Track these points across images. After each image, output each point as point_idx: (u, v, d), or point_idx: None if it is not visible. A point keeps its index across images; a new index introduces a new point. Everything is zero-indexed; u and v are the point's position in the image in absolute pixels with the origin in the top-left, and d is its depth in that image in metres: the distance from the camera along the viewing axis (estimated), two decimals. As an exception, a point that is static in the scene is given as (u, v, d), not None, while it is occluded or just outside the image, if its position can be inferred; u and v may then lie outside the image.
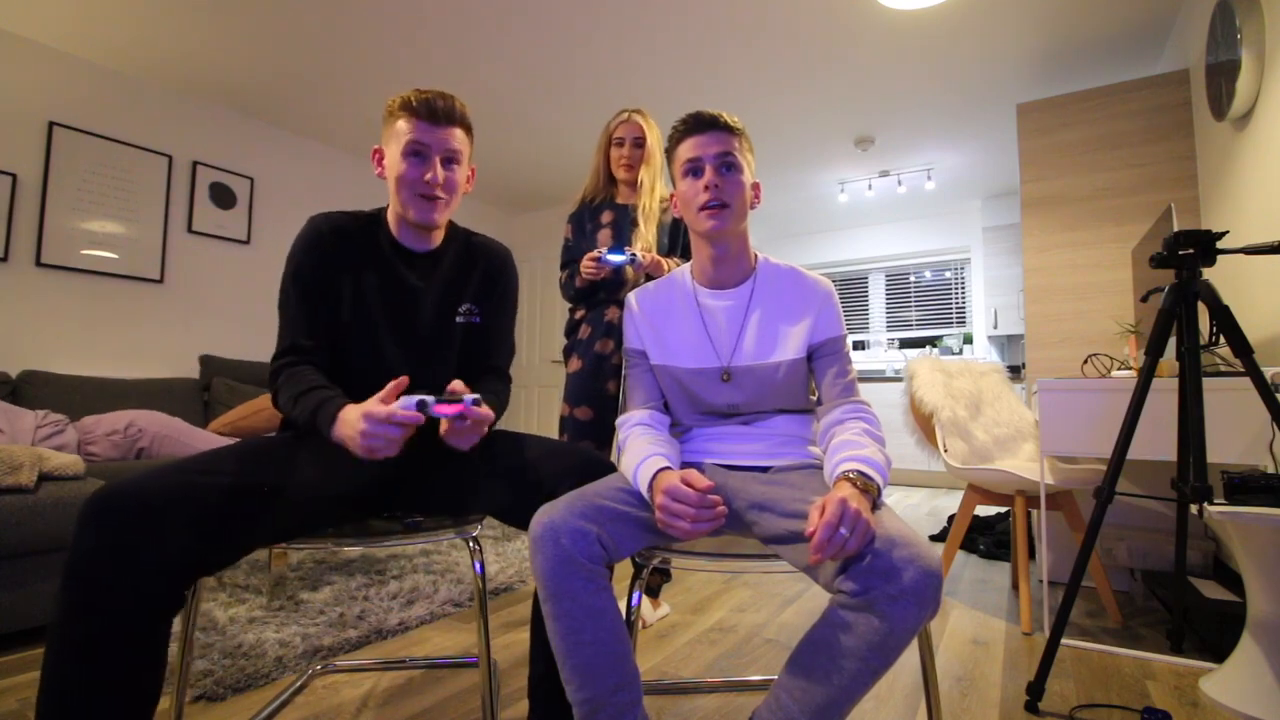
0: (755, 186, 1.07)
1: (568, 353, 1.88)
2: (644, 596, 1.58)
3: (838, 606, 0.78)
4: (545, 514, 0.88)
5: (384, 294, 1.12)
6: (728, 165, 1.01)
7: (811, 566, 0.84)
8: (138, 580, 0.78)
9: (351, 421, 0.90)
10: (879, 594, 0.74)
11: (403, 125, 1.06)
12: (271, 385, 1.06)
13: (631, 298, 1.17)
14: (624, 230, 1.82)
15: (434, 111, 1.06)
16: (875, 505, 0.84)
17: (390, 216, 1.16)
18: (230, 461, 0.93)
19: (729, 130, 1.02)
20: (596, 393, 1.78)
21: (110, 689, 0.77)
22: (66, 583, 0.77)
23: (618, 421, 1.16)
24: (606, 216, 1.86)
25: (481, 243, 1.24)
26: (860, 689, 0.76)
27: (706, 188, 1.00)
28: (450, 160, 1.09)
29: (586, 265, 1.70)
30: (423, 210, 1.10)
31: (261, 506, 0.91)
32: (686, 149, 1.03)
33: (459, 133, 1.10)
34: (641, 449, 1.00)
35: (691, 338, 1.10)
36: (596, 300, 1.84)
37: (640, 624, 1.79)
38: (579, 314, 1.89)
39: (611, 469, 1.09)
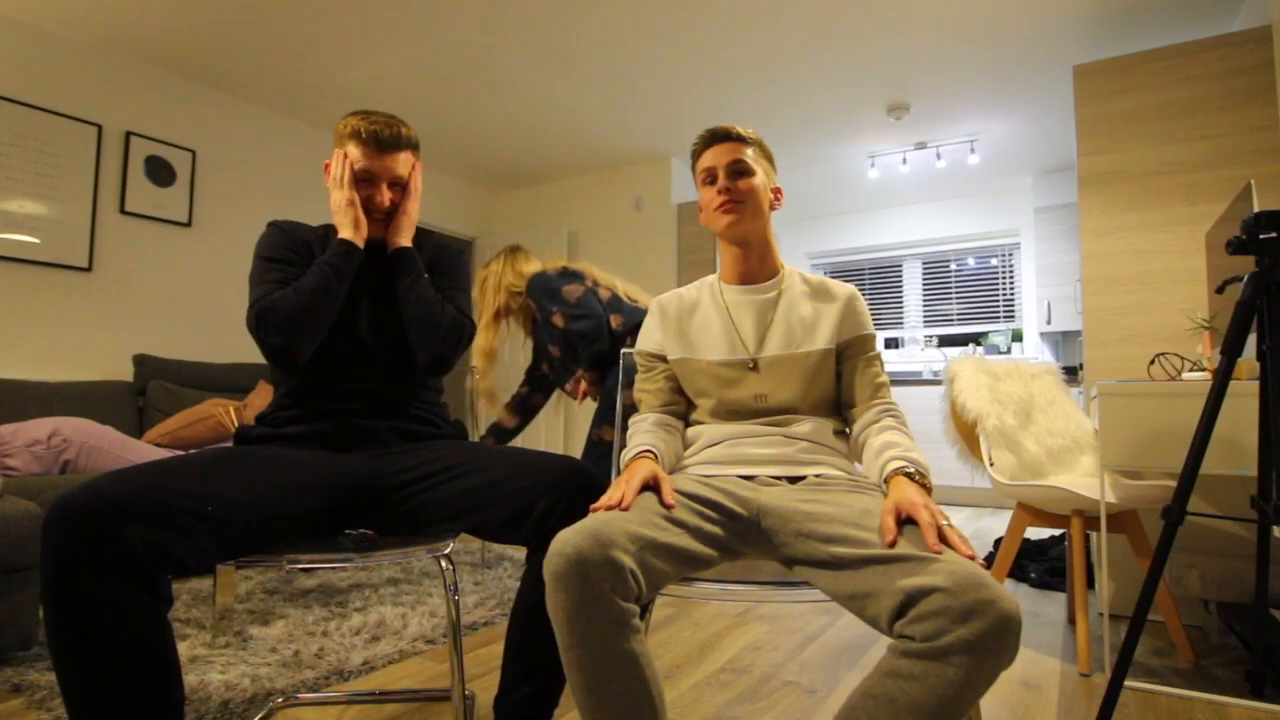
0: (776, 190, 1.28)
1: None
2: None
3: (901, 654, 0.79)
4: (570, 544, 0.86)
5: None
6: (739, 171, 1.22)
7: (856, 600, 0.86)
8: (118, 579, 0.88)
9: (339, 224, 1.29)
10: (954, 640, 0.74)
11: (352, 150, 1.31)
12: (257, 325, 1.20)
13: (656, 302, 1.34)
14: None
15: (380, 141, 1.31)
16: None
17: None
18: (196, 465, 1.05)
19: (740, 140, 1.25)
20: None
21: (130, 698, 0.88)
22: (48, 594, 0.86)
23: (630, 421, 1.27)
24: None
25: (431, 238, 1.48)
26: None
27: (719, 191, 1.22)
28: (396, 183, 1.36)
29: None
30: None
31: (223, 511, 1.01)
32: (704, 160, 1.26)
33: (405, 156, 1.35)
34: (641, 439, 1.17)
35: (717, 332, 1.25)
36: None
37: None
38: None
39: (598, 477, 1.17)
